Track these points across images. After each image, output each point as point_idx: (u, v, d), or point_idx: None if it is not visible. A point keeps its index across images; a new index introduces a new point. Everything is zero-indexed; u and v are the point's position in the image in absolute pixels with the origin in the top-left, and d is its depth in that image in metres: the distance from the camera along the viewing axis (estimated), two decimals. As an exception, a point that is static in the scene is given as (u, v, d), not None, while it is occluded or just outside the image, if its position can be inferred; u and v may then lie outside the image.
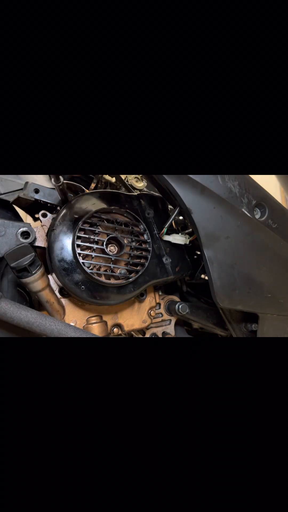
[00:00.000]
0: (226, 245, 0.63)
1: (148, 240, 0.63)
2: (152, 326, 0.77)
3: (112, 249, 0.62)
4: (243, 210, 0.63)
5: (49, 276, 0.61)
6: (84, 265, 0.55)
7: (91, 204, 0.59)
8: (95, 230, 0.57)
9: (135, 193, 0.68)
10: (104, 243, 0.57)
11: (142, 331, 0.78)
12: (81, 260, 0.55)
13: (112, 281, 0.59)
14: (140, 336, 0.82)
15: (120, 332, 0.70)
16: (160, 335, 0.78)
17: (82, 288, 0.57)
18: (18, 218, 0.66)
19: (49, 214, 0.62)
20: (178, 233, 0.68)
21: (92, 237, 0.57)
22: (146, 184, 0.79)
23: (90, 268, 0.57)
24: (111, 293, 0.60)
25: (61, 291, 0.63)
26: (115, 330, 0.70)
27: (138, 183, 0.77)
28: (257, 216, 0.66)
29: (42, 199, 0.61)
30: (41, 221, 0.62)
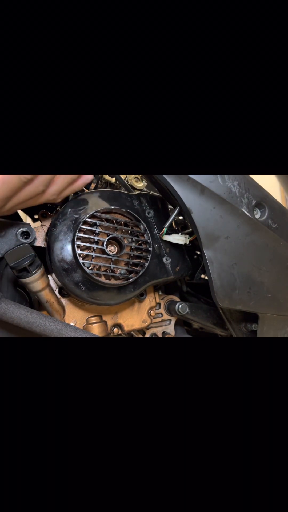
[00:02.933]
0: (226, 245, 0.62)
1: (148, 240, 0.63)
2: (152, 326, 0.77)
3: (112, 249, 0.62)
4: (243, 210, 0.63)
5: (49, 276, 0.61)
6: (84, 265, 0.55)
7: (91, 204, 0.59)
8: (95, 230, 0.57)
9: (135, 193, 0.68)
10: (104, 243, 0.57)
11: (142, 331, 0.78)
12: (81, 261, 0.55)
13: (112, 281, 0.59)
14: (140, 336, 0.82)
15: (120, 332, 0.70)
16: (160, 335, 0.78)
17: (82, 288, 0.57)
18: (17, 218, 0.66)
19: (49, 214, 0.62)
20: (178, 233, 0.68)
21: (92, 237, 0.57)
22: (146, 184, 0.79)
23: (90, 268, 0.57)
24: (111, 293, 0.60)
25: (60, 291, 0.63)
26: (115, 330, 0.70)
27: (138, 183, 0.77)
28: (257, 216, 0.66)
29: (42, 199, 0.61)
30: (41, 221, 0.62)
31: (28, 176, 0.44)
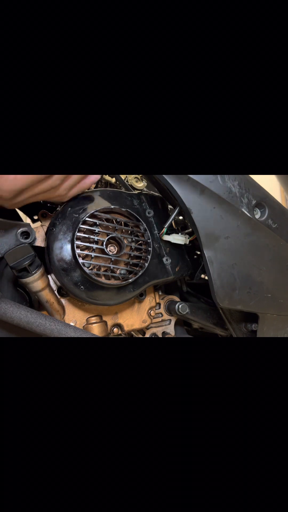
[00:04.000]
0: (226, 245, 0.62)
1: (148, 240, 0.63)
2: (152, 326, 0.77)
3: (112, 249, 0.62)
4: (243, 210, 0.63)
5: (49, 276, 0.61)
6: (84, 265, 0.55)
7: (91, 203, 0.59)
8: (95, 230, 0.57)
9: (136, 192, 0.68)
10: (104, 243, 0.57)
11: (142, 331, 0.78)
12: (80, 261, 0.55)
13: (112, 281, 0.59)
14: (140, 336, 0.82)
15: (120, 332, 0.70)
16: (160, 335, 0.78)
17: (81, 288, 0.57)
18: (17, 218, 0.66)
19: (48, 214, 0.62)
20: (178, 233, 0.68)
21: (91, 237, 0.57)
22: (146, 184, 0.79)
23: (89, 268, 0.57)
24: (110, 293, 0.60)
25: (59, 291, 0.63)
26: (115, 330, 0.70)
27: (138, 183, 0.77)
28: (257, 216, 0.66)
29: (41, 199, 0.61)
30: (40, 221, 0.62)
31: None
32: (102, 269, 0.58)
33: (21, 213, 0.67)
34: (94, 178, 0.55)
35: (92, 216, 0.57)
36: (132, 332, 0.87)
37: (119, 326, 0.70)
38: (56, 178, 0.48)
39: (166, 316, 0.78)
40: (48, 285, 0.58)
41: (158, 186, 0.69)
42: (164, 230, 0.65)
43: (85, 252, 0.56)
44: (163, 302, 0.78)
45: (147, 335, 0.77)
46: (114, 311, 0.70)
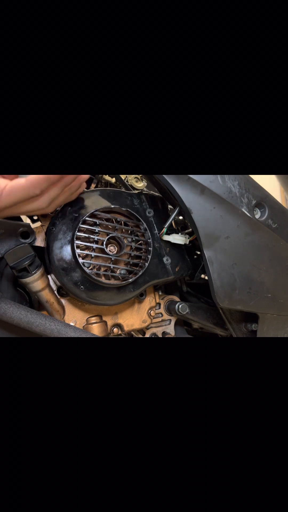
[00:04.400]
0: (226, 245, 0.62)
1: (148, 240, 0.63)
2: (152, 326, 0.77)
3: (112, 249, 0.62)
4: (243, 210, 0.63)
5: (49, 276, 0.61)
6: (84, 265, 0.55)
7: (91, 202, 0.59)
8: (95, 230, 0.57)
9: (136, 192, 0.68)
10: (104, 243, 0.57)
11: (142, 331, 0.78)
12: (81, 261, 0.55)
13: (112, 281, 0.59)
14: (140, 336, 0.82)
15: (120, 332, 0.70)
16: (160, 335, 0.78)
17: (81, 288, 0.57)
18: (17, 218, 0.66)
19: (48, 214, 0.62)
20: (178, 233, 0.68)
21: (92, 236, 0.57)
22: (146, 184, 0.79)
23: (90, 268, 0.56)
24: (111, 293, 0.60)
25: (59, 290, 0.63)
26: (115, 330, 0.70)
27: (138, 183, 0.77)
28: (257, 216, 0.66)
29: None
30: (40, 221, 0.62)
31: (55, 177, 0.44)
32: (102, 269, 0.58)
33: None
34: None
35: (92, 215, 0.57)
36: (132, 332, 0.87)
37: (119, 326, 0.70)
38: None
39: (166, 316, 0.78)
40: (48, 285, 0.58)
41: (158, 186, 0.69)
42: (164, 230, 0.65)
43: (85, 252, 0.56)
44: (163, 302, 0.78)
45: (147, 335, 0.77)
46: (114, 311, 0.70)
